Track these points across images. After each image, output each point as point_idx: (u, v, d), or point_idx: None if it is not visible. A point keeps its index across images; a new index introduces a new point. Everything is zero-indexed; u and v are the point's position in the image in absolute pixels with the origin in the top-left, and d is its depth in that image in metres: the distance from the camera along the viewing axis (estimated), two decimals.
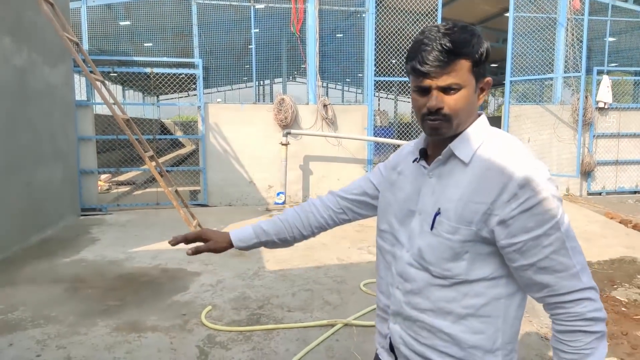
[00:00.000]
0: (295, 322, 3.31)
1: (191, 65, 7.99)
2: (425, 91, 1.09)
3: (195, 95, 9.64)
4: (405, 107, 24.53)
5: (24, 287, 3.94)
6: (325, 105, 8.23)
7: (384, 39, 8.46)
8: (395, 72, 8.62)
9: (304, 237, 1.47)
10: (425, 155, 1.21)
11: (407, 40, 8.37)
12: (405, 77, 9.44)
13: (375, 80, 8.47)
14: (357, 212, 1.43)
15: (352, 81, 15.61)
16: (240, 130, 8.04)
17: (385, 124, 14.98)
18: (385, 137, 10.61)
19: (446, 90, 1.08)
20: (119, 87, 20.96)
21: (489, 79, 1.15)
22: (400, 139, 9.36)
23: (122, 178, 11.52)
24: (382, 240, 1.27)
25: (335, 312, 3.51)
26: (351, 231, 5.91)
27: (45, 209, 5.90)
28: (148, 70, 7.76)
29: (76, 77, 7.77)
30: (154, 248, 5.17)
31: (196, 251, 1.38)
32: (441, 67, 1.06)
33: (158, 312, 3.46)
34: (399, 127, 11.71)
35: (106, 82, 5.88)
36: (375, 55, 8.33)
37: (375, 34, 8.33)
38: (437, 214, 1.12)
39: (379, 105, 20.61)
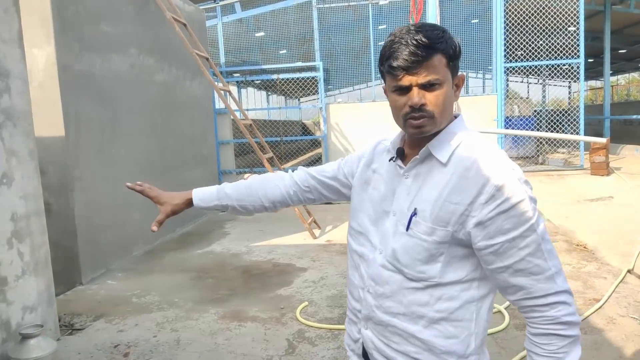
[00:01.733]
0: None
1: (313, 69, 8.32)
2: (404, 90, 1.06)
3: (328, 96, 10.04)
4: (557, 92, 22.10)
5: (159, 275, 4.54)
6: None
7: (516, 21, 7.75)
8: (533, 56, 7.84)
9: (265, 209, 1.43)
10: (402, 154, 1.17)
11: (547, 18, 7.56)
12: (546, 60, 8.54)
13: (505, 67, 7.83)
14: (324, 194, 1.40)
15: (478, 69, 14.59)
16: (361, 129, 8.12)
17: (529, 113, 13.69)
18: (524, 128, 9.69)
19: (426, 87, 1.05)
20: (264, 93, 22.70)
21: (462, 75, 1.14)
22: (549, 129, 8.51)
23: None
24: (352, 238, 1.25)
25: None
26: None
27: None
28: (275, 76, 8.30)
29: None
30: (272, 243, 5.53)
31: (159, 224, 1.36)
32: (419, 62, 1.03)
33: (260, 304, 3.70)
34: (548, 115, 10.65)
35: (231, 91, 6.43)
36: (505, 39, 7.69)
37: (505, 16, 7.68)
38: (414, 214, 1.10)
39: (528, 92, 18.87)
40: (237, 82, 14.08)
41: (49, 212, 4.36)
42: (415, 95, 1.04)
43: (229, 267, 4.69)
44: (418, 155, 1.11)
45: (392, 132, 1.23)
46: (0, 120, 2.83)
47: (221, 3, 8.47)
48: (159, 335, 3.23)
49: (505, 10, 7.63)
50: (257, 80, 9.96)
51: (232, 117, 9.28)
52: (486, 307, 1.12)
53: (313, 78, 8.23)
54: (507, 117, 8.95)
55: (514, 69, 7.90)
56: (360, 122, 8.12)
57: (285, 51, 9.86)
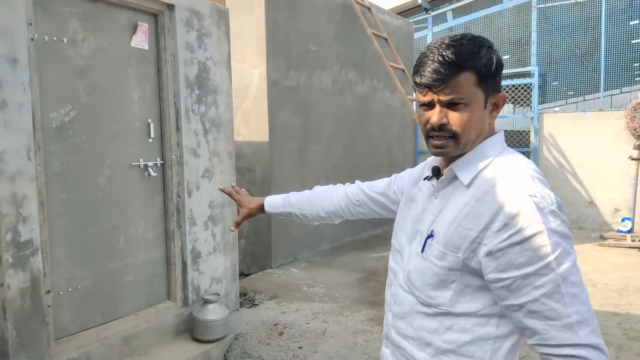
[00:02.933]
0: None
1: (527, 75, 7.64)
2: (429, 106, 1.04)
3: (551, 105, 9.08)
4: None
5: (332, 270, 4.95)
6: None
7: None
8: None
9: (322, 219, 1.50)
10: (438, 173, 1.13)
11: None
12: None
13: None
14: (374, 209, 1.41)
15: None
16: (581, 142, 7.09)
17: None
18: None
19: (450, 105, 1.01)
20: None
21: (502, 94, 1.07)
22: None
23: None
24: (391, 255, 1.24)
25: None
26: None
27: None
28: None
29: None
30: None
31: (237, 225, 1.57)
32: (441, 80, 0.99)
33: None
34: None
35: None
36: None
37: None
38: (430, 236, 1.07)
39: None
40: None
41: None
42: (436, 114, 1.02)
43: None
44: (444, 176, 1.09)
45: (619, 146, 1.21)
46: (207, 127, 3.59)
47: (433, 13, 8.53)
48: (311, 323, 3.59)
49: None
50: None
51: None
52: (506, 348, 1.02)
53: (526, 85, 7.57)
54: None
55: None
56: (580, 135, 7.10)
57: (507, 57, 9.30)
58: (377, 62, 6.83)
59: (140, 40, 3.18)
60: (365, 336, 3.35)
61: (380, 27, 6.36)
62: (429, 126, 1.04)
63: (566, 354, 0.89)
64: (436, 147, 1.04)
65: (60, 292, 2.74)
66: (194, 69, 3.44)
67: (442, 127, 1.02)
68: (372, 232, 6.76)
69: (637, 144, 6.36)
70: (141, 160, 3.19)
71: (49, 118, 2.67)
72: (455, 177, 1.07)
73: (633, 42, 7.23)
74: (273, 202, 1.56)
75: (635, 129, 6.52)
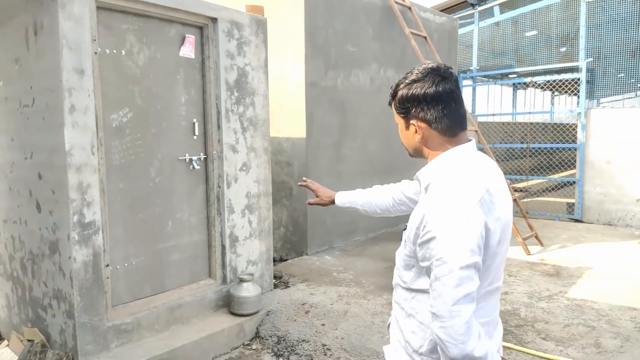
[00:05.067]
0: (538, 351, 3.06)
1: (575, 70, 7.49)
2: None
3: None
4: None
5: (363, 259, 5.25)
6: None
7: None
8: None
9: (378, 214, 1.84)
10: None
11: None
12: None
13: None
14: (412, 207, 1.69)
15: None
16: (629, 139, 6.90)
17: None
18: None
19: None
20: (548, 94, 20.82)
21: (416, 121, 1.34)
22: None
23: (522, 185, 11.80)
24: None
25: (595, 357, 2.96)
26: None
27: None
28: (528, 79, 7.86)
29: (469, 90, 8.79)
30: None
31: (310, 204, 1.97)
32: (389, 103, 1.43)
33: None
34: None
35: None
36: None
37: None
38: (404, 229, 1.39)
39: None
40: (513, 84, 13.62)
41: (291, 196, 5.62)
42: None
43: None
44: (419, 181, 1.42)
45: None
46: (245, 125, 4.00)
47: (480, 8, 8.52)
48: (335, 304, 3.93)
49: None
50: (517, 82, 9.58)
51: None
52: None
53: (574, 80, 7.45)
54: None
55: None
56: (630, 131, 6.91)
57: (538, 53, 9.11)
58: (418, 60, 6.99)
59: (188, 50, 3.63)
60: (382, 317, 3.65)
61: (420, 26, 6.52)
62: None
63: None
64: None
65: (117, 266, 3.26)
66: (234, 74, 3.85)
67: None
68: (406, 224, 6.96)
69: None
70: (187, 155, 3.65)
71: (110, 119, 3.16)
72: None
73: None
74: (342, 197, 1.92)
75: None
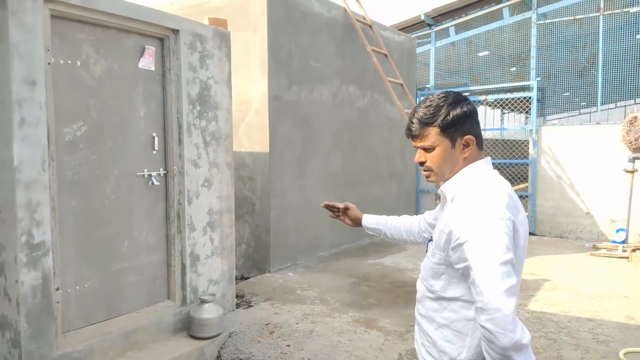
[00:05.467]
0: None
1: (526, 89, 7.82)
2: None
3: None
4: None
5: (328, 275, 5.20)
6: None
7: None
8: None
9: (404, 241, 1.89)
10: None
11: None
12: None
13: None
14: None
15: None
16: (578, 155, 7.25)
17: None
18: None
19: (425, 149, 1.45)
20: (498, 111, 21.70)
21: (468, 137, 1.42)
22: None
23: None
24: None
25: None
26: None
27: None
28: (482, 97, 8.13)
29: None
30: None
31: (333, 217, 2.00)
32: (415, 135, 1.45)
33: (395, 317, 3.94)
34: None
35: None
36: None
37: None
38: (430, 240, 1.51)
39: None
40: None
41: (253, 212, 5.50)
42: (417, 155, 1.48)
43: (387, 280, 5.02)
44: (441, 196, 1.49)
45: (615, 158, 1.57)
46: (208, 139, 3.89)
47: (436, 29, 8.78)
48: (300, 323, 3.84)
49: None
50: (472, 100, 9.89)
51: None
52: None
53: (525, 99, 7.76)
54: None
55: None
56: (578, 147, 7.25)
57: (491, 72, 9.49)
58: (378, 76, 7.10)
59: (147, 62, 3.50)
60: (349, 336, 3.59)
61: (380, 44, 6.62)
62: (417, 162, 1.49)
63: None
64: (424, 175, 1.49)
65: (69, 290, 3.05)
66: (196, 87, 3.75)
67: (422, 163, 1.46)
68: (370, 239, 6.98)
69: (631, 157, 6.50)
70: (145, 170, 3.49)
71: (62, 133, 2.98)
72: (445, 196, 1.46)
73: (629, 57, 7.37)
74: (369, 219, 1.96)
75: (630, 142, 6.67)
